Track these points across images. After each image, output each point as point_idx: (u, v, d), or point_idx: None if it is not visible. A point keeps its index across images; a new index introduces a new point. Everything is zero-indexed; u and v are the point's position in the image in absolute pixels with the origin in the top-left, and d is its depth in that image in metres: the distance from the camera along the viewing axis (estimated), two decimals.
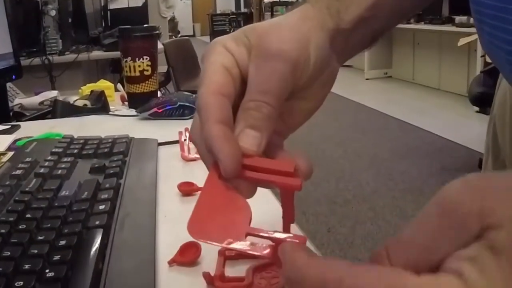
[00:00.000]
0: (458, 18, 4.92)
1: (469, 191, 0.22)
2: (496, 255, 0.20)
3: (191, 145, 0.76)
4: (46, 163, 0.61)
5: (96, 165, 0.61)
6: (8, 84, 1.25)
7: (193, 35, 15.85)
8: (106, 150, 0.67)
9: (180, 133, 0.78)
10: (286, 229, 0.33)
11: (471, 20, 0.47)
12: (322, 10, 0.37)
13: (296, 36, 0.34)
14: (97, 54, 3.14)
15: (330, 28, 0.37)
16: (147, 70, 1.05)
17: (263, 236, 0.28)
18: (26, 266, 0.37)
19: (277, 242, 0.27)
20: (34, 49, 2.88)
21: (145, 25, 1.14)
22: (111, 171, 0.59)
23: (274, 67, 0.32)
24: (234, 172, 0.30)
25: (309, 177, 0.31)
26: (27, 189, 0.52)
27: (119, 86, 1.26)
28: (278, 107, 0.32)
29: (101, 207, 0.48)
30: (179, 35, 10.48)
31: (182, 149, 0.74)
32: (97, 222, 0.45)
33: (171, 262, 0.42)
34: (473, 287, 0.20)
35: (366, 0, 0.38)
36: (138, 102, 1.03)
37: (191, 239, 0.44)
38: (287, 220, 0.33)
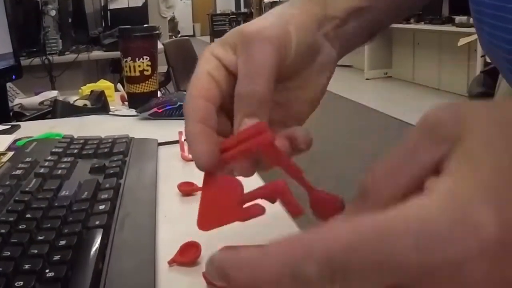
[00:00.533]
0: (458, 18, 4.92)
1: (446, 105, 0.21)
2: (471, 159, 0.19)
3: None
4: (46, 163, 0.61)
5: (96, 165, 0.61)
6: (8, 84, 1.25)
7: (193, 35, 15.85)
8: (106, 150, 0.67)
9: (180, 133, 0.78)
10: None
11: (471, 20, 0.47)
12: (308, 0, 0.38)
13: (275, 20, 0.35)
14: (97, 54, 3.14)
15: (317, 14, 0.37)
16: (147, 70, 1.05)
17: (255, 195, 0.31)
18: (26, 266, 0.37)
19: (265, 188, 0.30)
20: (34, 49, 2.88)
21: (145, 25, 1.14)
22: (111, 171, 0.59)
23: (255, 49, 0.33)
24: (209, 167, 0.32)
25: (308, 146, 0.33)
26: (27, 189, 0.52)
27: (119, 86, 1.26)
28: (269, 89, 0.33)
29: (101, 207, 0.48)
30: (179, 35, 10.49)
31: (182, 149, 0.74)
32: (97, 222, 0.45)
33: (171, 262, 0.42)
34: (452, 193, 0.18)
35: None
36: (138, 102, 1.03)
37: (191, 239, 0.44)
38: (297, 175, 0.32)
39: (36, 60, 2.87)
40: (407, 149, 0.22)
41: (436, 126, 0.21)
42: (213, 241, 0.44)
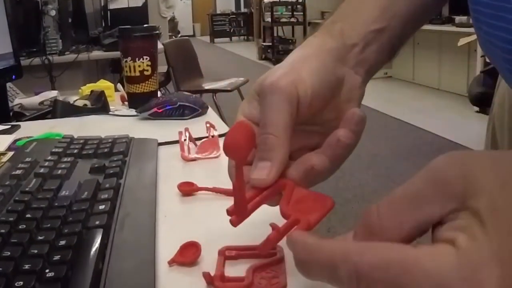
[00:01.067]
0: (458, 18, 4.92)
1: (454, 160, 0.24)
2: (481, 222, 0.22)
3: (191, 145, 0.76)
4: (46, 163, 0.61)
5: (96, 165, 0.61)
6: (8, 84, 1.25)
7: (193, 35, 15.85)
8: (106, 150, 0.67)
9: (180, 133, 0.78)
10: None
11: (471, 20, 0.47)
12: (323, 35, 0.40)
13: (287, 70, 0.37)
14: (97, 54, 3.14)
15: (333, 47, 0.39)
16: (147, 70, 1.05)
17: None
18: (26, 266, 0.37)
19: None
20: (34, 49, 2.88)
21: (145, 25, 1.14)
22: (111, 171, 0.59)
23: (269, 101, 0.36)
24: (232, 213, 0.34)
25: (362, 126, 0.36)
26: (27, 189, 0.52)
27: (119, 86, 1.26)
28: (283, 134, 0.35)
29: (101, 207, 0.48)
30: (179, 35, 10.49)
31: (182, 149, 0.74)
32: (97, 222, 0.45)
33: (171, 262, 0.42)
34: (465, 253, 0.21)
35: (371, 12, 0.40)
36: (138, 102, 1.03)
37: (191, 239, 0.44)
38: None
39: (36, 60, 2.87)
40: (414, 197, 0.24)
41: (444, 184, 0.23)
42: (213, 241, 0.44)
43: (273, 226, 0.31)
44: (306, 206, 0.33)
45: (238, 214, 0.33)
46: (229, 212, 0.34)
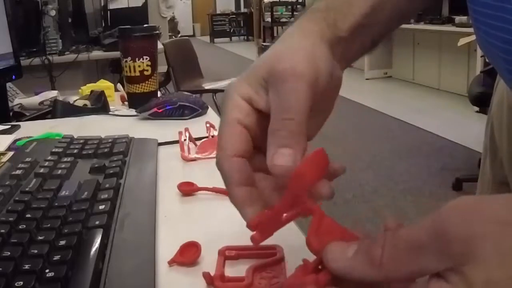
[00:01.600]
0: (458, 18, 4.92)
1: (462, 215, 0.24)
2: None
3: (191, 145, 0.76)
4: (46, 163, 0.61)
5: (96, 165, 0.61)
6: (8, 84, 1.25)
7: (193, 35, 15.85)
8: (106, 150, 0.67)
9: (180, 133, 0.78)
10: None
11: (470, 20, 0.47)
12: (320, 22, 0.39)
13: (305, 56, 0.35)
14: (97, 54, 3.14)
15: (329, 38, 0.38)
16: (147, 70, 1.05)
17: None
18: (26, 266, 0.37)
19: None
20: (34, 49, 2.88)
21: (145, 25, 1.14)
22: (111, 171, 0.59)
23: (292, 87, 0.34)
24: (256, 226, 0.33)
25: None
26: (27, 189, 0.52)
27: (119, 86, 1.26)
28: (304, 122, 0.33)
29: (101, 207, 0.48)
30: (179, 35, 10.48)
31: (182, 149, 0.74)
32: (97, 222, 0.45)
33: (171, 262, 0.42)
34: None
35: (363, 8, 0.40)
36: (138, 102, 1.03)
37: (191, 239, 0.44)
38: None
39: (36, 60, 2.87)
40: (415, 247, 0.25)
41: (446, 242, 0.24)
42: (213, 241, 0.44)
43: (305, 262, 0.30)
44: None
45: (263, 232, 0.32)
46: (252, 226, 0.33)
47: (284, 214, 0.32)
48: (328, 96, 0.38)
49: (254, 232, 0.33)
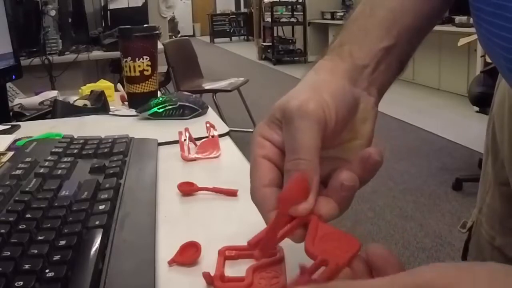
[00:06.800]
0: (458, 18, 4.92)
1: (441, 281, 0.24)
2: None
3: (191, 145, 0.76)
4: (46, 163, 0.61)
5: (96, 165, 0.61)
6: (8, 84, 1.25)
7: (193, 35, 15.86)
8: (106, 150, 0.67)
9: (180, 133, 0.78)
10: None
11: (471, 20, 0.47)
12: (334, 57, 0.40)
13: (312, 93, 0.37)
14: (97, 54, 3.14)
15: (346, 70, 0.39)
16: (147, 70, 1.05)
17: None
18: (26, 266, 0.37)
19: None
20: (34, 49, 2.88)
21: (145, 25, 1.14)
22: (111, 171, 0.59)
23: (299, 126, 0.35)
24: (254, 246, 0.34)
25: (376, 168, 0.37)
26: (27, 189, 0.52)
27: (119, 86, 1.26)
28: (314, 159, 0.34)
29: (101, 207, 0.48)
30: (179, 35, 10.49)
31: (182, 149, 0.74)
32: (97, 222, 0.45)
33: (171, 262, 0.42)
34: None
35: (378, 33, 0.41)
36: (138, 102, 1.03)
37: (191, 239, 0.44)
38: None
39: (36, 60, 2.86)
40: None
41: None
42: (213, 241, 0.44)
43: (302, 267, 0.30)
44: (332, 246, 0.32)
45: (263, 249, 0.34)
46: (251, 246, 0.34)
47: (280, 231, 0.33)
48: (356, 125, 0.39)
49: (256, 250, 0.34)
